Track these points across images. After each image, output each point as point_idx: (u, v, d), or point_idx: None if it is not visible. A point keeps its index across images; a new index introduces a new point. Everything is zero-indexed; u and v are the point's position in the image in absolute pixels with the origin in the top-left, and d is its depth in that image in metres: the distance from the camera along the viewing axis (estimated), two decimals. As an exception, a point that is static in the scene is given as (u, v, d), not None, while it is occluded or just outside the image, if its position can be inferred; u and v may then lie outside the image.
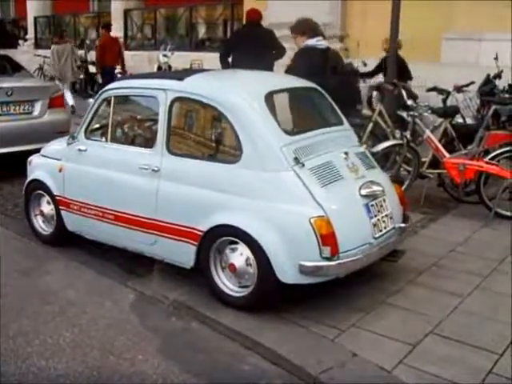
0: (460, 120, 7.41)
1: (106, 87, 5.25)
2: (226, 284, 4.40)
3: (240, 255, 4.28)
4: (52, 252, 5.49)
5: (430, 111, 6.94)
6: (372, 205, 4.43)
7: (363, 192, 4.40)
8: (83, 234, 5.37)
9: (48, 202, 5.58)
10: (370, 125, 7.12)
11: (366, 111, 8.19)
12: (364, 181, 4.50)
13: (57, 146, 5.73)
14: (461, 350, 3.76)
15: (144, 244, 4.79)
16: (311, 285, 4.19)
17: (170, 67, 13.88)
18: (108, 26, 13.99)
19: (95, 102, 5.25)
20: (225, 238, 4.33)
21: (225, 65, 8.44)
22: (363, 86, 10.06)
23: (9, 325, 4.18)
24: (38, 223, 5.75)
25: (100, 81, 13.29)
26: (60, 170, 5.36)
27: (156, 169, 4.64)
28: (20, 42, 21.97)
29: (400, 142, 6.70)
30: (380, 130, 7.18)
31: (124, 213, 4.85)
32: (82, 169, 5.20)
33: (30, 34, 21.40)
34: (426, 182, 6.89)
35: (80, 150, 5.24)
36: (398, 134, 6.87)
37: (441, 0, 9.54)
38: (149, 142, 4.89)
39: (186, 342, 3.99)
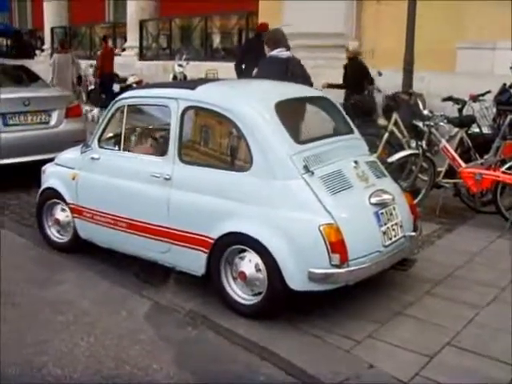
0: (476, 129, 7.35)
1: (120, 96, 5.32)
2: (237, 292, 4.42)
3: (250, 263, 4.30)
4: (66, 261, 5.49)
5: (445, 121, 6.90)
6: (382, 213, 4.44)
7: (373, 200, 4.42)
8: (96, 242, 5.39)
9: (63, 210, 5.61)
10: (386, 135, 7.09)
11: (381, 121, 8.17)
12: (374, 189, 4.51)
13: (70, 154, 5.77)
14: (477, 361, 3.73)
15: (157, 252, 4.82)
16: (325, 294, 4.18)
17: (185, 77, 13.94)
18: (106, 38, 16.25)
19: (109, 111, 5.30)
20: (235, 247, 4.36)
21: (239, 73, 8.59)
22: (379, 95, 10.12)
23: (23, 334, 4.19)
24: (52, 231, 5.78)
25: (116, 90, 13.46)
26: (73, 178, 5.40)
27: (168, 177, 4.67)
28: (37, 52, 22.16)
29: (416, 151, 6.68)
30: (396, 140, 7.16)
31: (136, 221, 4.87)
32: (94, 177, 5.24)
33: (47, 45, 21.58)
34: (442, 192, 6.84)
35: (93, 158, 5.28)
36: (413, 143, 6.84)
37: (454, 8, 9.51)
38: (161, 151, 4.93)
39: (200, 352, 3.98)
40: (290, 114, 4.68)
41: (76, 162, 5.48)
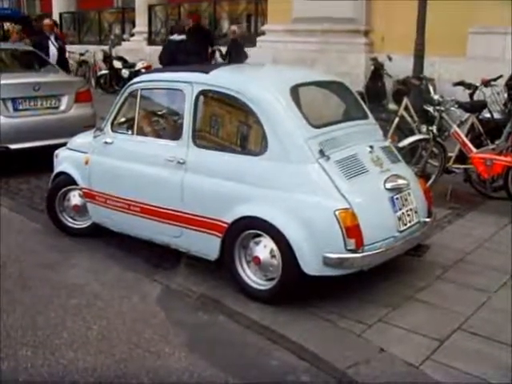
0: (487, 115, 7.31)
1: (132, 81, 5.31)
2: (250, 277, 4.43)
3: (264, 247, 4.30)
4: (77, 245, 5.51)
5: (456, 106, 6.87)
6: (397, 198, 4.43)
7: (388, 185, 4.41)
8: (108, 226, 5.41)
9: (80, 195, 5.62)
10: (396, 119, 7.06)
11: (391, 106, 8.13)
12: (389, 174, 4.51)
13: (83, 139, 5.78)
14: (489, 346, 3.73)
15: (170, 236, 4.82)
16: (337, 279, 4.18)
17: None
18: None
19: (122, 96, 5.29)
20: (250, 231, 4.35)
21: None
22: (389, 80, 10.08)
23: (36, 316, 4.22)
24: (65, 217, 5.78)
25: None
26: (86, 163, 5.40)
27: (182, 161, 4.67)
28: (45, 37, 22.11)
29: (426, 136, 6.65)
30: (406, 125, 7.12)
31: (150, 205, 4.88)
32: (108, 161, 5.24)
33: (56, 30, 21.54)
34: (453, 178, 6.82)
35: (106, 142, 5.27)
36: (424, 128, 6.81)
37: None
38: (175, 135, 4.90)
39: (212, 336, 4.00)
40: (305, 97, 4.64)
41: (89, 146, 5.48)
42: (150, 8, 17.48)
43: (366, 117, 5.03)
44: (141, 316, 4.24)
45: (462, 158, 6.70)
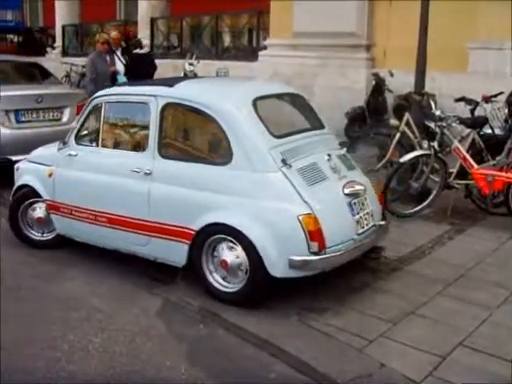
0: (488, 130, 7.31)
1: (97, 94, 5.40)
2: (218, 280, 4.60)
3: (231, 252, 4.49)
4: (71, 258, 5.46)
5: (458, 121, 6.87)
6: (354, 203, 4.67)
7: (346, 191, 4.65)
8: (74, 237, 5.48)
9: (44, 208, 5.62)
10: (397, 135, 7.08)
11: (393, 121, 8.15)
12: (346, 180, 4.74)
13: (45, 151, 5.83)
14: (491, 362, 3.72)
15: (137, 245, 4.94)
16: (339, 293, 4.18)
17: (195, 75, 13.92)
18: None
19: (86, 109, 5.39)
20: (216, 236, 4.52)
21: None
22: (390, 95, 10.10)
23: (35, 329, 4.21)
24: (29, 230, 5.77)
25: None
26: (50, 175, 5.45)
27: (148, 172, 4.80)
28: (48, 49, 22.20)
29: (427, 152, 6.65)
30: (407, 140, 7.13)
31: (116, 215, 4.99)
32: (72, 173, 5.32)
33: (58, 42, 21.62)
34: (454, 193, 6.82)
35: (71, 155, 5.35)
36: (425, 144, 6.81)
37: (466, 8, 9.47)
38: (140, 146, 5.03)
39: (212, 349, 4.00)
40: (266, 109, 4.86)
41: (52, 158, 5.54)
42: (153, 21, 17.55)
43: (322, 127, 5.26)
44: (141, 329, 4.23)
45: (462, 173, 6.70)
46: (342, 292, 4.66)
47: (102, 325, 4.28)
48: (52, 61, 19.00)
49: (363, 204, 4.75)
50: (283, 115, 5.46)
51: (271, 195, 4.37)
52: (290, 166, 4.45)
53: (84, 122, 5.38)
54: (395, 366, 3.66)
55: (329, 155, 4.81)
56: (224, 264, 4.50)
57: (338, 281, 4.83)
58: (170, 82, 5.21)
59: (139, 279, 5.02)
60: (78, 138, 5.38)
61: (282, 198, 4.36)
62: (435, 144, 6.66)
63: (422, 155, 6.69)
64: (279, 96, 5.47)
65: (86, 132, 5.40)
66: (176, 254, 4.70)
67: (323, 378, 3.60)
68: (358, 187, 4.72)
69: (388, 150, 7.06)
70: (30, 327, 4.25)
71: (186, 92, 4.93)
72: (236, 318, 4.32)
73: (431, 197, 6.73)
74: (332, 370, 3.65)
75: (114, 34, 10.72)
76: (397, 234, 6.03)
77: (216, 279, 4.60)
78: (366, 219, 4.72)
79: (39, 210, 5.69)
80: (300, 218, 4.24)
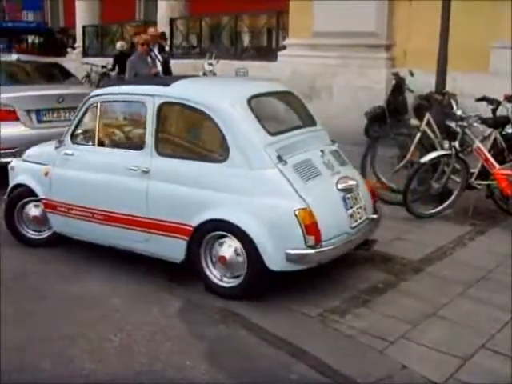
0: (510, 130, 7.24)
1: (92, 93, 5.43)
2: (217, 275, 4.68)
3: (229, 247, 4.57)
4: (89, 258, 5.46)
5: (479, 121, 6.81)
6: (348, 198, 4.80)
7: (340, 186, 4.77)
8: (70, 235, 5.52)
9: (40, 206, 5.65)
10: (418, 135, 7.03)
11: (413, 121, 8.09)
12: (339, 176, 4.86)
13: (40, 151, 5.87)
14: (513, 365, 3.68)
15: (135, 241, 5.00)
16: (361, 295, 4.15)
17: (214, 75, 13.95)
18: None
19: (81, 109, 5.42)
20: (214, 233, 4.61)
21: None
22: (410, 95, 10.03)
23: (54, 328, 4.24)
24: (25, 229, 5.81)
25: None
26: (46, 174, 5.48)
27: (146, 170, 4.87)
28: (68, 50, 22.37)
29: (448, 152, 6.60)
30: (428, 140, 7.08)
31: (114, 213, 5.05)
32: (69, 172, 5.35)
33: (79, 43, 21.77)
34: (475, 194, 6.76)
35: (67, 154, 5.39)
36: (446, 144, 6.76)
37: (488, 8, 9.39)
38: (137, 145, 5.07)
39: (232, 349, 3.99)
40: (261, 107, 4.98)
41: (48, 157, 5.57)
42: (172, 21, 17.61)
43: (314, 124, 5.34)
44: (160, 329, 4.24)
45: (484, 173, 6.63)
46: (362, 293, 4.63)
47: (120, 324, 4.29)
48: (72, 61, 19.12)
49: (356, 198, 4.88)
50: (277, 113, 5.64)
51: (268, 191, 4.49)
52: (286, 163, 4.55)
53: (79, 121, 5.43)
54: (416, 368, 3.63)
55: (322, 151, 4.94)
56: (222, 259, 4.60)
57: (359, 282, 4.82)
58: (166, 82, 5.33)
59: (159, 279, 5.02)
60: (74, 138, 5.43)
61: (279, 193, 4.48)
62: (456, 144, 6.61)
63: (443, 155, 6.64)
64: (273, 94, 5.57)
65: (82, 131, 5.46)
66: (174, 250, 4.77)
67: (344, 380, 3.58)
68: (350, 182, 4.85)
69: (408, 150, 7.00)
70: (51, 325, 4.28)
71: (182, 91, 5.01)
72: (257, 318, 4.31)
73: (452, 197, 6.68)
74: (353, 371, 3.62)
75: (151, 30, 10.43)
76: (418, 234, 6.02)
77: (214, 274, 4.68)
78: (359, 213, 4.85)
79: (35, 209, 5.73)
80: (296, 212, 4.34)
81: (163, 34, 13.48)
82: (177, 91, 5.00)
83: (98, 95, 5.37)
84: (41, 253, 5.65)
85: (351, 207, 4.78)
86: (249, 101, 4.80)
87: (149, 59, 9.42)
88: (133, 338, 4.10)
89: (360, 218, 4.85)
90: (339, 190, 4.75)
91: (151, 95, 4.96)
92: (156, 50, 9.80)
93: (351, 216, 4.74)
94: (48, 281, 5.05)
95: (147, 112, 4.93)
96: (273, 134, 4.74)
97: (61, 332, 4.18)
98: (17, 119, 7.81)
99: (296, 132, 5.04)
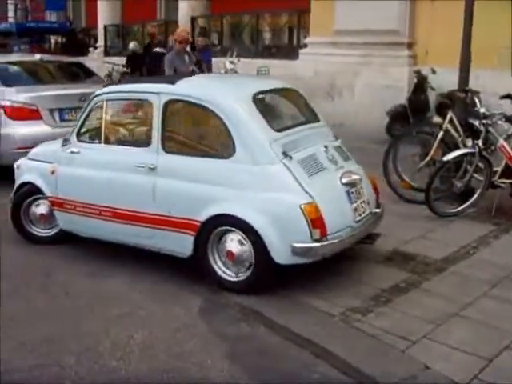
0: (535, 128, 7.15)
1: (98, 92, 5.47)
2: (224, 270, 4.74)
3: (236, 242, 4.64)
4: (112, 256, 5.47)
5: (503, 119, 6.73)
6: (352, 192, 4.87)
7: (344, 180, 4.85)
8: (77, 232, 5.56)
9: (47, 204, 5.68)
10: (441, 133, 6.96)
11: (436, 119, 8.02)
12: (343, 171, 4.94)
13: (46, 149, 5.92)
14: (539, 366, 3.63)
15: (143, 237, 5.04)
16: (384, 294, 4.12)
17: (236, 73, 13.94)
18: None
19: (87, 107, 5.46)
20: (222, 228, 4.67)
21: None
22: (432, 93, 9.96)
23: (79, 325, 4.27)
24: (31, 226, 5.85)
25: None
26: (52, 172, 5.52)
27: (152, 166, 4.91)
28: (90, 49, 22.54)
29: (471, 150, 6.53)
30: (450, 139, 7.01)
31: (122, 209, 5.08)
32: (76, 170, 5.39)
33: (100, 42, 21.93)
34: (498, 192, 6.69)
35: (73, 152, 5.42)
36: (469, 142, 6.69)
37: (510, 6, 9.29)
38: (144, 142, 5.10)
39: (253, 348, 3.99)
40: (265, 104, 5.14)
41: (54, 156, 5.62)
42: (193, 20, 17.65)
43: (317, 120, 5.41)
44: (182, 327, 4.25)
45: (508, 172, 6.56)
46: (385, 292, 4.60)
47: (143, 321, 4.31)
48: (94, 60, 19.26)
49: (359, 193, 4.96)
50: (282, 109, 5.70)
51: (274, 186, 4.55)
52: (291, 158, 4.62)
53: (85, 119, 5.46)
54: (439, 369, 3.59)
55: (326, 147, 5.02)
56: (230, 254, 4.66)
57: (381, 281, 4.79)
58: (171, 79, 5.37)
59: (180, 278, 5.01)
60: (80, 136, 5.46)
61: (284, 188, 4.54)
62: (480, 142, 6.54)
63: (466, 154, 6.58)
64: (277, 91, 5.64)
65: (87, 129, 5.49)
66: (182, 245, 4.82)
67: (367, 380, 3.55)
68: (354, 177, 4.93)
69: (431, 148, 6.94)
70: (75, 323, 4.31)
71: (187, 89, 5.08)
72: (279, 317, 4.30)
73: (475, 196, 6.61)
74: (376, 371, 3.59)
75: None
76: (441, 233, 5.96)
77: (222, 269, 4.74)
78: (362, 207, 4.92)
79: (41, 207, 5.77)
80: (302, 206, 4.41)
81: (203, 29, 13.73)
82: (182, 89, 5.06)
83: (103, 94, 5.42)
84: (64, 250, 5.67)
85: (355, 201, 4.85)
86: (253, 97, 4.88)
87: (186, 57, 9.59)
88: (154, 336, 4.11)
89: (364, 212, 4.92)
90: (343, 184, 4.82)
91: (157, 93, 5.00)
92: (188, 48, 10.17)
93: (355, 210, 4.81)
94: (75, 278, 5.09)
95: (153, 110, 4.99)
96: (278, 130, 4.80)
97: (85, 329, 4.21)
98: (40, 118, 7.88)
99: (300, 128, 5.11)
